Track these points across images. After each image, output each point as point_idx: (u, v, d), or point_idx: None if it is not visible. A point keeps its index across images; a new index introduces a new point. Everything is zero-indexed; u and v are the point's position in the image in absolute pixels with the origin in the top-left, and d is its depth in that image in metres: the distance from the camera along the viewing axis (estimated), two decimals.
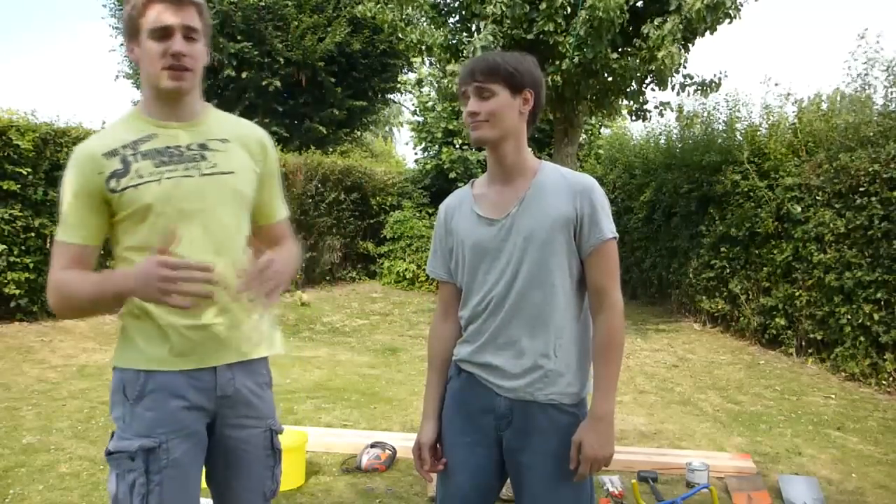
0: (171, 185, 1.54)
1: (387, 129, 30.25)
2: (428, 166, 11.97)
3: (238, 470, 1.67)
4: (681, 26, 6.75)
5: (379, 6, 7.89)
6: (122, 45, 12.66)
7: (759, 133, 7.77)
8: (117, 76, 14.12)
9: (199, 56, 1.57)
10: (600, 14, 6.48)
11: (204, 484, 1.70)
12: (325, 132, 13.87)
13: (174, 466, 1.53)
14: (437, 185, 11.84)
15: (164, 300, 1.41)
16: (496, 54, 1.68)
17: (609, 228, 1.66)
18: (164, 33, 1.51)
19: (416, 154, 13.35)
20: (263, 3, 12.59)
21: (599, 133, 12.68)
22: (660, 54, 6.74)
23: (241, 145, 1.68)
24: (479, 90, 1.62)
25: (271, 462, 1.72)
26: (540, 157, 1.89)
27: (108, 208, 1.54)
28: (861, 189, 5.95)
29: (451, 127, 12.18)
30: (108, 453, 1.55)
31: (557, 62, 7.15)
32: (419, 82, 12.08)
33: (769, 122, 7.78)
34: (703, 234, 8.03)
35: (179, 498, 1.56)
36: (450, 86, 7.73)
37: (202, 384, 1.58)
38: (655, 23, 6.79)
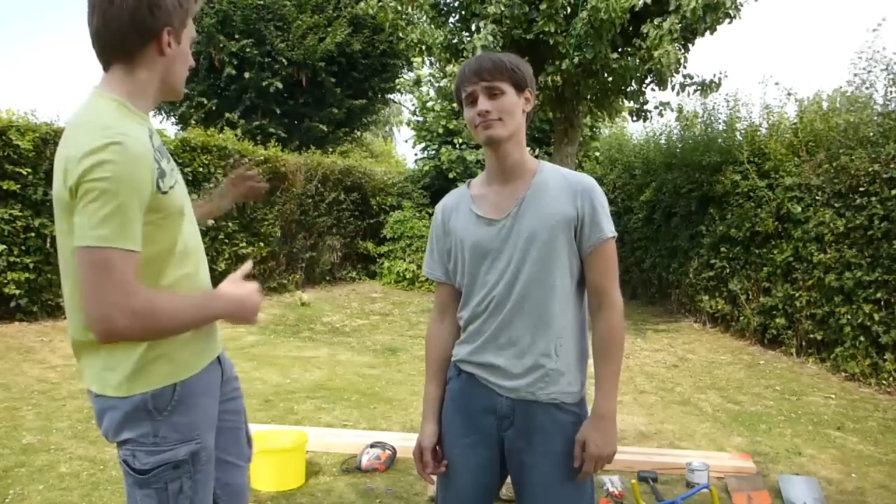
0: (182, 186, 1.52)
1: (387, 128, 30.25)
2: (426, 167, 11.97)
3: (231, 443, 1.69)
4: (679, 25, 6.75)
5: (380, 5, 7.89)
6: None
7: (759, 133, 7.77)
8: None
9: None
10: (602, 15, 6.49)
11: None
12: (324, 132, 13.88)
13: (209, 461, 1.55)
14: (436, 185, 11.84)
15: (254, 321, 1.53)
16: (496, 54, 1.68)
17: (609, 228, 1.67)
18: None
19: (415, 154, 13.37)
20: (263, 3, 12.60)
21: (592, 132, 12.65)
22: (657, 53, 6.74)
23: None
24: (489, 89, 1.63)
25: (246, 427, 1.75)
26: (539, 157, 1.89)
27: (152, 210, 1.37)
28: (861, 189, 5.95)
29: (451, 126, 12.19)
30: (144, 472, 1.43)
31: (557, 62, 7.15)
32: (417, 82, 12.08)
33: (769, 122, 7.78)
34: (703, 234, 8.04)
35: (211, 485, 1.58)
36: (449, 86, 7.73)
37: (217, 374, 1.61)
38: (655, 22, 6.80)
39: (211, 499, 1.57)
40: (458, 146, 12.08)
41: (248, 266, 1.62)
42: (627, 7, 6.49)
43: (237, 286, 1.53)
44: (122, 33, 1.39)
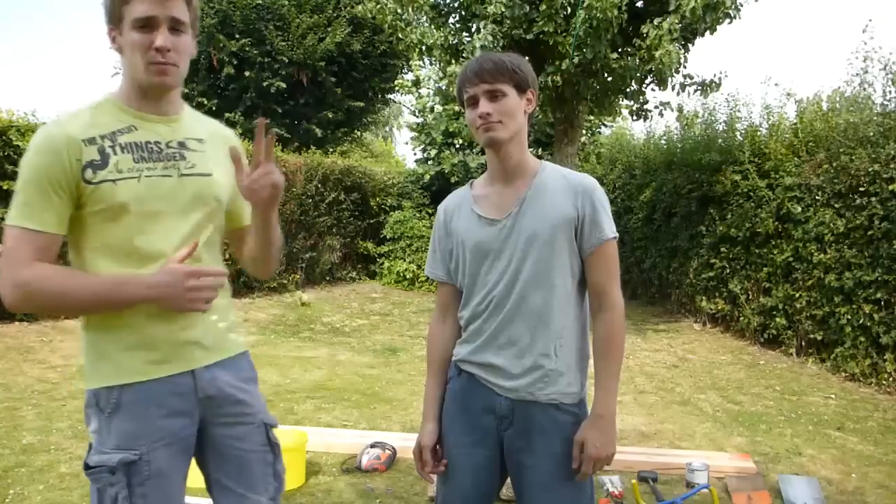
0: (149, 184, 1.45)
1: (387, 129, 30.25)
2: (427, 176, 11.91)
3: (236, 471, 1.59)
4: (679, 25, 6.75)
5: (378, 7, 7.89)
6: None
7: (759, 133, 7.77)
8: (115, 73, 14.10)
9: (184, 50, 1.47)
10: (598, 14, 6.49)
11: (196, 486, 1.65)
12: (324, 132, 13.88)
13: (157, 477, 1.46)
14: (437, 185, 11.84)
15: (191, 308, 1.43)
16: (497, 54, 1.68)
17: (610, 228, 1.67)
18: (148, 23, 1.40)
19: (415, 154, 13.35)
20: (262, 3, 12.59)
21: (593, 133, 12.66)
22: (657, 53, 6.74)
23: (216, 146, 1.60)
24: (491, 91, 1.62)
25: (270, 458, 1.64)
26: (541, 158, 1.90)
27: (76, 199, 1.41)
28: (861, 189, 5.95)
29: (451, 128, 12.18)
30: (87, 468, 1.45)
31: (557, 62, 7.15)
32: (416, 83, 12.07)
33: (769, 122, 7.79)
34: (704, 234, 8.04)
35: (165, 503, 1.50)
36: (450, 87, 7.73)
37: (181, 388, 1.50)
38: (655, 22, 6.80)
39: None
40: (459, 148, 12.06)
41: (183, 251, 1.46)
42: (618, 3, 6.48)
43: (162, 271, 1.42)
44: None
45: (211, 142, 1.60)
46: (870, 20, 7.68)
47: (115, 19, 1.44)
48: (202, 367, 1.53)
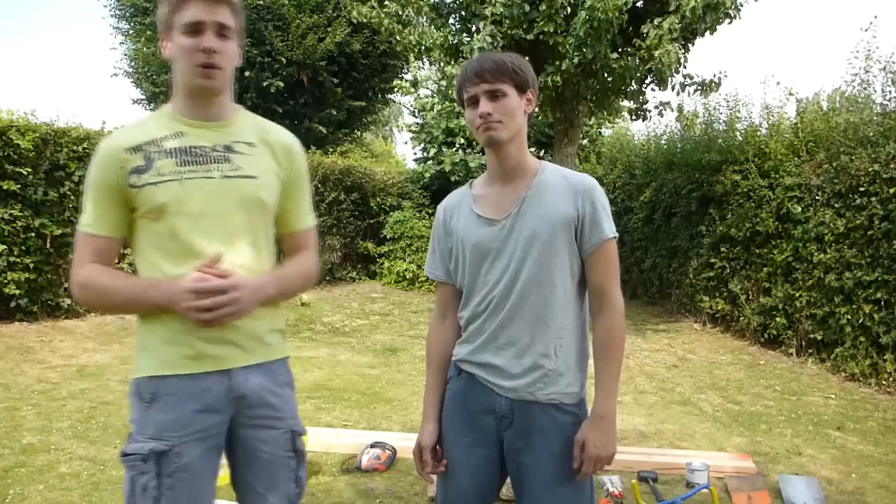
0: (190, 186, 1.53)
1: (387, 129, 30.24)
2: (427, 174, 11.92)
3: (259, 472, 1.64)
4: (679, 25, 6.75)
5: (374, 11, 7.89)
6: (121, 42, 12.64)
7: (759, 133, 7.77)
8: (115, 74, 14.11)
9: (230, 55, 1.57)
10: (600, 15, 6.48)
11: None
12: (324, 132, 13.87)
13: (186, 470, 1.52)
14: (437, 185, 11.84)
15: (199, 322, 1.49)
16: (498, 54, 1.67)
17: (610, 228, 1.67)
18: (196, 29, 1.51)
19: (415, 153, 13.34)
20: (262, 3, 12.59)
21: (593, 133, 12.65)
22: (657, 53, 6.74)
23: (267, 150, 1.65)
24: (491, 91, 1.62)
25: (293, 464, 1.68)
26: (541, 158, 1.90)
27: (128, 204, 1.54)
28: (861, 189, 5.95)
29: (451, 126, 12.17)
30: (123, 455, 1.53)
31: (557, 62, 7.14)
32: (415, 83, 12.05)
33: (769, 122, 7.78)
34: (704, 234, 8.04)
35: (190, 501, 1.55)
36: (450, 88, 7.73)
37: (216, 386, 1.56)
38: (655, 22, 6.79)
39: None
40: (459, 147, 12.06)
41: (211, 256, 1.51)
42: (620, 5, 6.47)
43: (170, 285, 1.49)
44: None
45: (262, 145, 1.65)
46: (875, 16, 7.64)
47: (166, 29, 1.56)
48: (239, 368, 1.59)
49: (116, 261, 1.64)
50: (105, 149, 1.55)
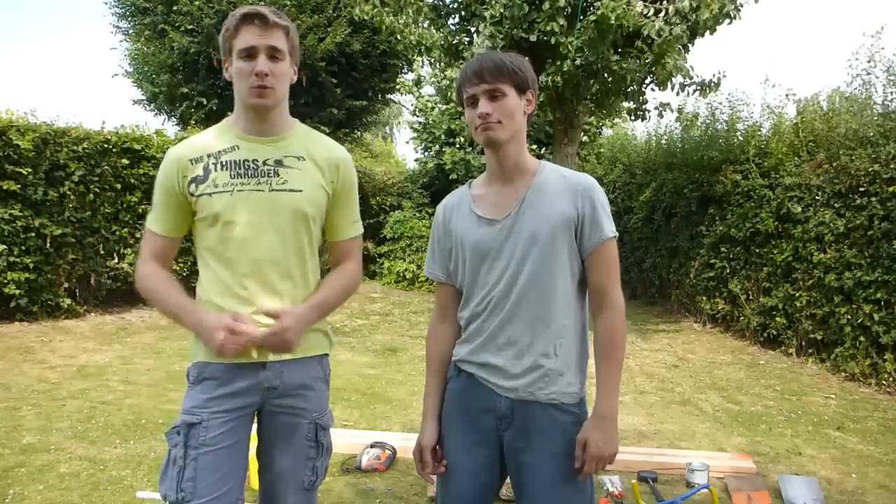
0: (240, 198, 1.68)
1: (387, 129, 30.25)
2: (429, 165, 11.95)
3: (280, 454, 1.77)
4: (688, 32, 6.74)
5: (376, 10, 7.88)
6: (121, 41, 12.73)
7: (759, 133, 7.77)
8: (115, 74, 14.09)
9: (282, 75, 1.69)
10: (612, 21, 6.45)
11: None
12: (325, 132, 13.87)
13: (211, 445, 1.65)
14: (437, 185, 11.84)
15: (220, 352, 1.63)
16: (498, 54, 1.67)
17: (610, 228, 1.67)
18: (250, 53, 1.65)
19: (416, 152, 13.34)
20: (262, 3, 12.59)
21: (593, 134, 12.65)
22: (668, 61, 6.72)
23: (315, 164, 1.77)
24: (491, 91, 1.62)
25: (313, 454, 1.80)
26: (541, 158, 1.90)
27: (190, 208, 1.72)
28: (861, 189, 5.95)
29: (452, 126, 12.17)
30: (168, 432, 1.70)
31: (558, 63, 7.14)
32: (417, 83, 12.05)
33: (770, 122, 7.78)
34: (704, 234, 8.04)
35: (211, 476, 1.65)
36: (449, 91, 7.72)
37: (250, 375, 1.70)
38: (657, 26, 6.75)
39: (209, 489, 1.64)
40: (461, 147, 12.06)
41: (272, 310, 1.67)
42: (637, 25, 6.47)
43: (215, 318, 1.63)
44: None
45: (311, 160, 1.77)
46: (882, 26, 7.55)
47: (226, 52, 1.71)
48: (274, 361, 1.72)
49: (174, 258, 1.85)
50: (171, 157, 1.73)
